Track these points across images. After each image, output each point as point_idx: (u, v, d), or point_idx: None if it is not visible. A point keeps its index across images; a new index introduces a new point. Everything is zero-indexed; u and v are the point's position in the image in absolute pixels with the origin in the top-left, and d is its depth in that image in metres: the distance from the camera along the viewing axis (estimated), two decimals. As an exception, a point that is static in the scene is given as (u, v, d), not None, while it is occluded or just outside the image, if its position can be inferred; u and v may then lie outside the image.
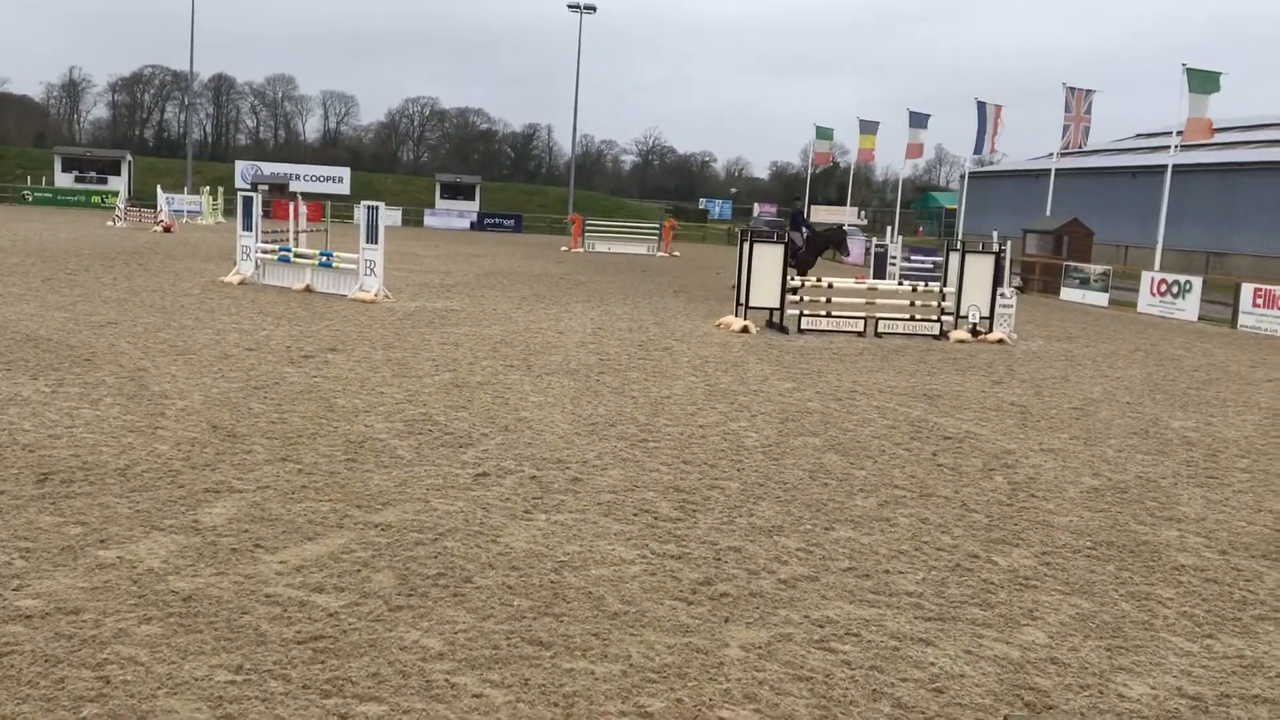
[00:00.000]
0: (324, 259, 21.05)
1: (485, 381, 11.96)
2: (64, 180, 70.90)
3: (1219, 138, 50.90)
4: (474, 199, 76.13)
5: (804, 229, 24.83)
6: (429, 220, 67.07)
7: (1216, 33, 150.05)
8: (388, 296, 20.24)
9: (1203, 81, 31.02)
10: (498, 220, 67.77)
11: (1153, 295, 28.28)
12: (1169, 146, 34.62)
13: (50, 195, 65.74)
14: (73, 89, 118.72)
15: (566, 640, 4.99)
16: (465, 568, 5.92)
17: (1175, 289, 27.56)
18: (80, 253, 27.90)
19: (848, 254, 28.28)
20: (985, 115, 42.73)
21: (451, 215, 68.56)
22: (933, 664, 4.99)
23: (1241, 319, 24.76)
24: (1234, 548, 7.19)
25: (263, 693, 4.32)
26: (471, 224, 67.06)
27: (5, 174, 70.56)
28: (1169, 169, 34.78)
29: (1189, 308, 26.77)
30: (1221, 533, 7.55)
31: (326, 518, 6.68)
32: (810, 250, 24.46)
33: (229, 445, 8.36)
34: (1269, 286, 24.81)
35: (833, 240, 25.19)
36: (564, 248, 46.71)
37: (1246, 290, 25.12)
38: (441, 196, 75.86)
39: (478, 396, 11.05)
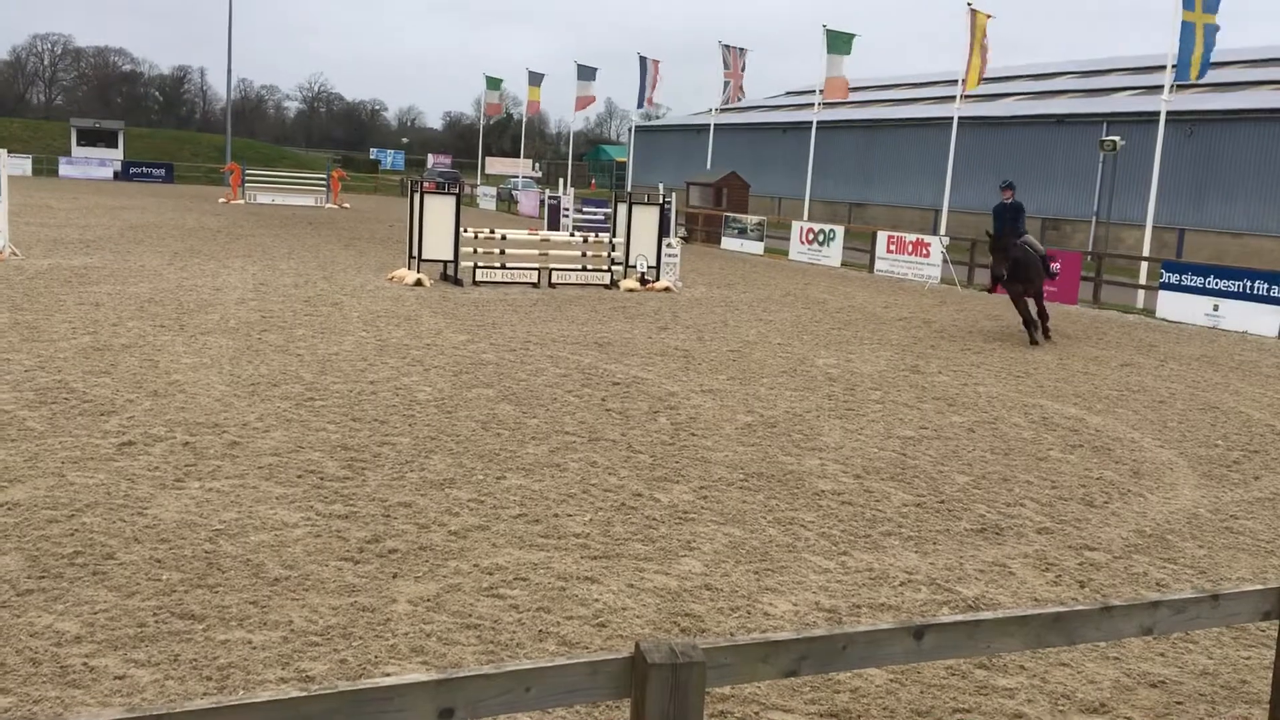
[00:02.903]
0: (-65, 212, 18.68)
1: (131, 344, 11.09)
2: None
3: (859, 96, 55.24)
4: (117, 146, 69.87)
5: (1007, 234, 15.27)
6: (65, 170, 60.99)
7: None
8: (15, 254, 18.28)
9: (839, 43, 33.44)
10: (146, 170, 62.66)
11: (802, 243, 30.39)
12: (813, 104, 37.13)
13: None
14: None
15: (221, 611, 4.75)
16: (107, 544, 5.49)
17: (821, 237, 29.74)
18: None
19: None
20: (646, 69, 44.07)
21: (91, 164, 62.66)
22: (597, 600, 5.16)
23: (878, 264, 27.10)
24: (867, 472, 7.91)
25: None
26: (115, 174, 61.60)
27: None
28: (814, 125, 37.36)
29: (833, 255, 28.99)
30: (857, 459, 8.28)
31: (-61, 501, 5.98)
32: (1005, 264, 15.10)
33: None
34: (900, 234, 27.29)
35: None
36: (222, 199, 43.97)
37: (881, 238, 27.50)
38: (79, 144, 69.09)
39: (123, 360, 10.23)
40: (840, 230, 29.59)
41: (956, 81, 29.60)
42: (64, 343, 10.93)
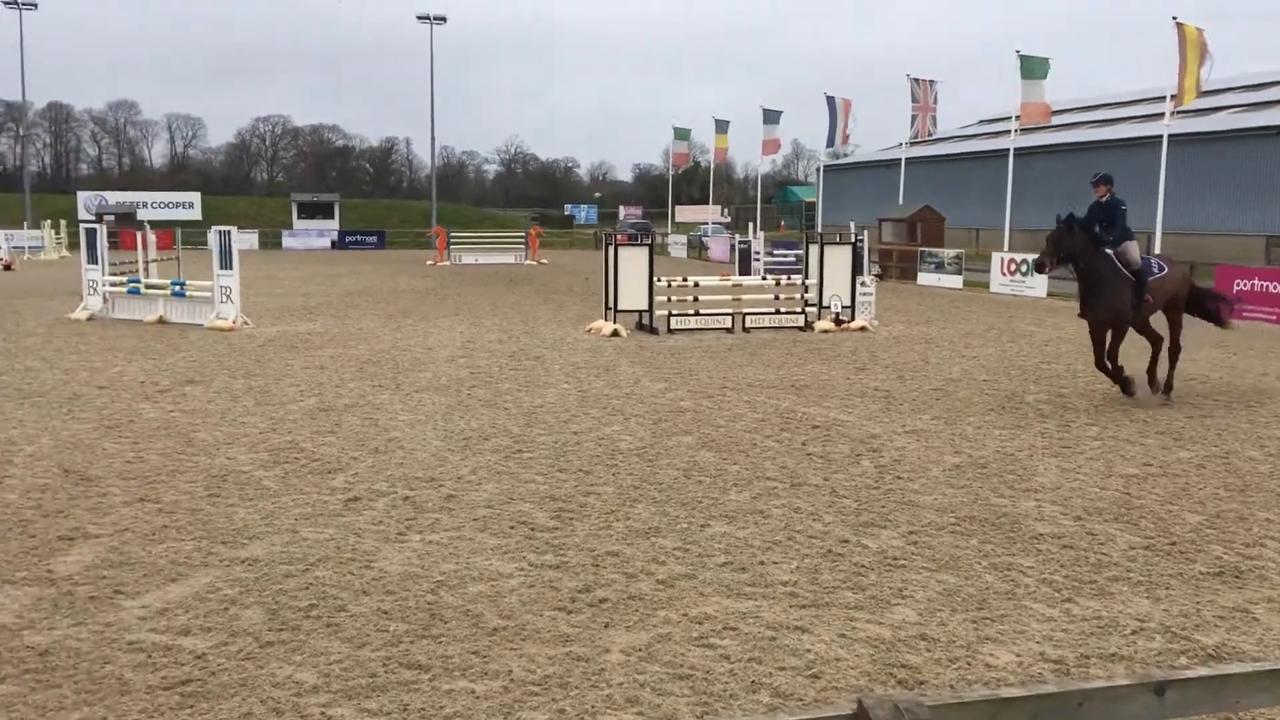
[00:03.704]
0: (177, 288, 20.35)
1: (353, 404, 11.74)
2: (-111, 221, 66.80)
3: (1058, 119, 53.26)
4: (333, 217, 74.55)
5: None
6: (287, 242, 65.41)
7: (1046, 19, 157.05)
8: (246, 323, 19.68)
9: (1035, 67, 32.41)
10: (359, 238, 66.52)
11: (1004, 275, 29.40)
12: (1010, 131, 36.05)
13: (-125, 238, 61.82)
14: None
15: (445, 661, 4.94)
16: (338, 596, 5.80)
17: (1024, 268, 28.70)
18: (-89, 297, 26.35)
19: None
20: (835, 109, 43.84)
21: (311, 235, 67.00)
22: (808, 650, 5.09)
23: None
24: (1088, 513, 7.53)
25: (128, 745, 4.15)
26: (332, 243, 65.66)
27: None
28: (1011, 152, 36.23)
29: (1038, 285, 27.90)
30: (1076, 500, 7.89)
31: (190, 557, 6.46)
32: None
33: (83, 489, 8.01)
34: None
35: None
36: (429, 261, 46.15)
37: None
38: (299, 216, 74.08)
39: (346, 419, 10.83)
40: (1044, 259, 28.47)
41: (1163, 98, 28.18)
42: (293, 405, 11.65)
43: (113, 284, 21.33)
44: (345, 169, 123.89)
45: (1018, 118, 33.64)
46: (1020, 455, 9.35)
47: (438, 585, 5.98)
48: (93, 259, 21.41)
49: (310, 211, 74.94)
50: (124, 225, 44.76)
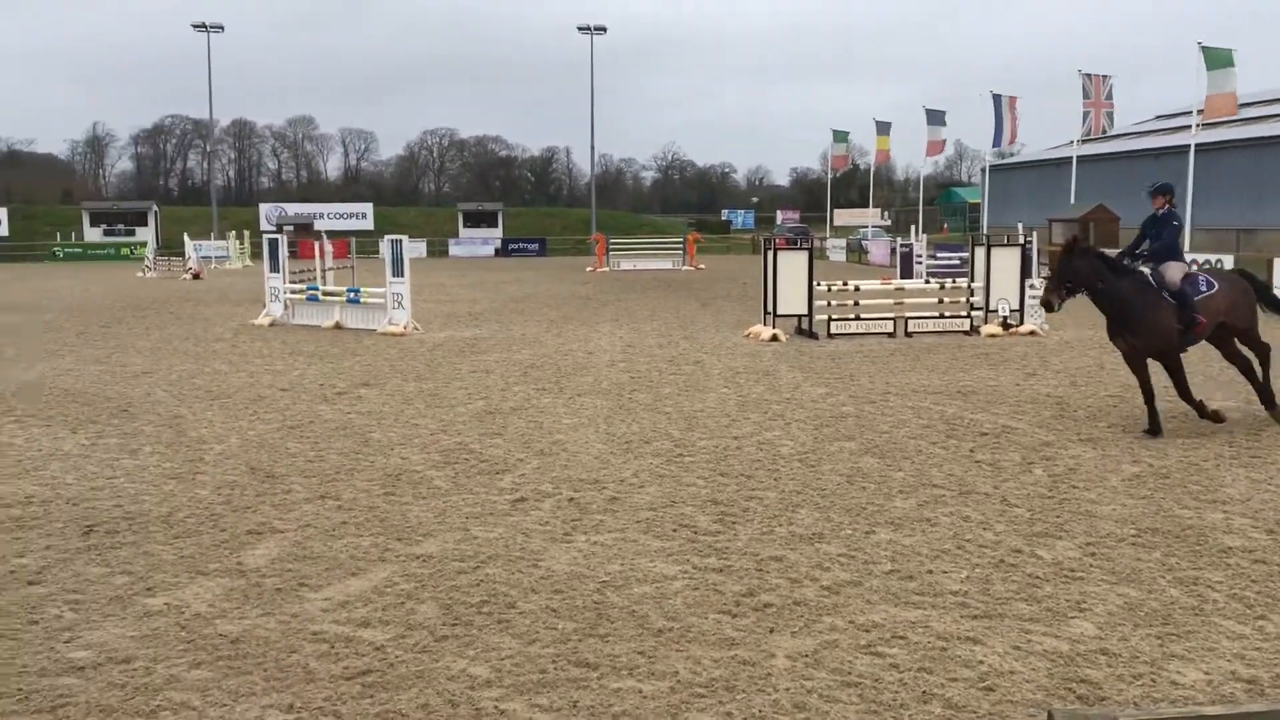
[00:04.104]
0: (352, 295, 21.23)
1: (518, 407, 12.01)
2: (93, 235, 71.88)
3: (1241, 113, 50.37)
4: (497, 226, 76.53)
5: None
6: (453, 250, 67.50)
7: (1225, 8, 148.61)
8: (417, 328, 20.37)
9: (1218, 59, 30.75)
10: (521, 245, 68.13)
11: (1184, 276, 28.00)
12: (1190, 126, 34.28)
13: (80, 250, 66.68)
14: (96, 144, 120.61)
15: (613, 660, 5.00)
16: (508, 594, 5.94)
17: (1206, 268, 27.25)
18: (112, 305, 28.28)
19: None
20: (1001, 107, 42.59)
21: (475, 243, 68.98)
22: (981, 662, 4.95)
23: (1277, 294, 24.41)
24: (1283, 527, 7.09)
25: (314, 730, 4.35)
26: (495, 251, 67.44)
27: (35, 232, 71.64)
28: (1191, 148, 34.46)
29: (1222, 286, 26.46)
30: (1268, 512, 7.44)
31: (368, 552, 6.72)
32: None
33: (268, 486, 8.44)
34: (1302, 259, 24.49)
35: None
36: (589, 268, 46.85)
37: (1278, 266, 24.81)
38: (464, 225, 76.31)
39: (512, 422, 11.09)
40: (1229, 259, 26.99)
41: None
42: (461, 408, 12.01)
43: (292, 291, 22.41)
44: (508, 178, 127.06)
45: (1199, 111, 31.97)
46: (1205, 465, 8.88)
47: (603, 585, 6.07)
48: (274, 268, 22.55)
49: (475, 220, 77.09)
50: (302, 235, 46.97)
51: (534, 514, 7.60)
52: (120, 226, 72.81)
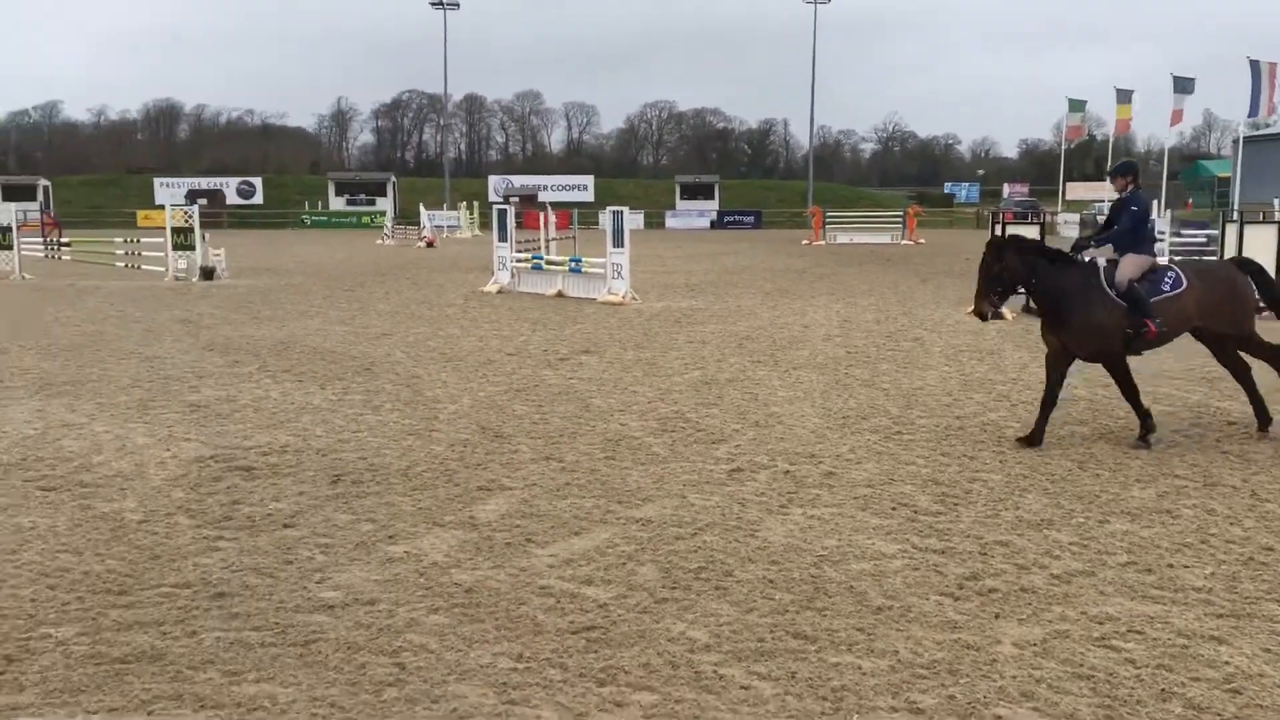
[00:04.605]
0: (573, 265, 21.80)
1: (734, 378, 12.06)
2: (337, 204, 76.54)
3: None
4: (713, 198, 76.78)
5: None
6: (670, 222, 68.20)
7: None
8: (635, 298, 20.72)
9: None
10: (737, 217, 68.14)
11: None
12: None
13: (325, 218, 71.15)
14: (341, 118, 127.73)
15: (831, 635, 4.99)
16: (725, 562, 6.01)
17: None
18: (354, 270, 30.05)
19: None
20: (1259, 74, 39.35)
21: (692, 215, 69.48)
22: (1227, 663, 4.66)
23: None
24: None
25: (542, 680, 4.54)
26: (711, 223, 67.73)
27: (286, 201, 76.87)
28: None
29: None
30: None
31: (590, 513, 6.93)
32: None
33: (497, 445, 8.82)
34: None
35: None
36: (805, 241, 46.39)
37: None
38: (681, 197, 76.92)
39: (728, 393, 11.16)
40: None
41: None
42: (677, 377, 12.16)
43: (519, 260, 23.20)
44: (724, 150, 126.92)
45: None
46: None
47: (820, 560, 6.05)
48: (502, 237, 23.39)
49: (692, 192, 77.61)
50: (527, 206, 48.55)
51: (750, 485, 7.63)
52: (362, 196, 77.23)
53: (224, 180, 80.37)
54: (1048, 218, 52.06)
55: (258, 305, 20.05)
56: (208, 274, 25.45)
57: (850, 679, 4.52)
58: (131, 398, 10.81)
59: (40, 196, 66.97)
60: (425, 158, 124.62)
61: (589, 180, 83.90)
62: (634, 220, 62.40)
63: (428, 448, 8.73)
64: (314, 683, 4.52)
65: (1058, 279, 8.80)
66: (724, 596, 5.48)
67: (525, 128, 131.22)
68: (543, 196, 69.32)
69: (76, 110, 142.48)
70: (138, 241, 29.26)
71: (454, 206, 61.10)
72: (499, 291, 22.80)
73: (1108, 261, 9.05)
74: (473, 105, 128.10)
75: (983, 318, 8.92)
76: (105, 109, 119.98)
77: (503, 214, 23.84)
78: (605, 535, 6.48)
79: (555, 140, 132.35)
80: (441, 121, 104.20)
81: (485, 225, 51.06)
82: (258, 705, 4.30)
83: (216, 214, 63.26)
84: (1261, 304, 9.66)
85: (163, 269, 25.78)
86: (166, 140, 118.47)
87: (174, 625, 5.11)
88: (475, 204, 60.12)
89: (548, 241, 25.46)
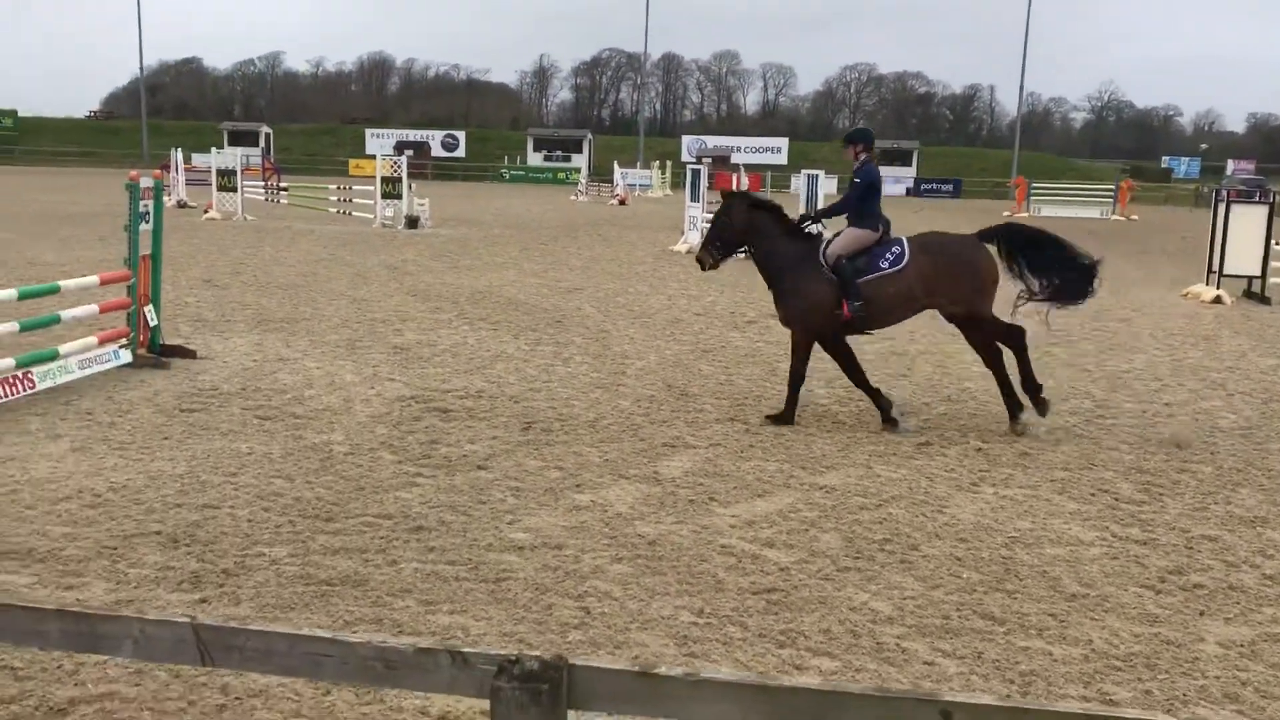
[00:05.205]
0: (765, 228, 21.62)
1: (925, 350, 11.78)
2: (534, 159, 78.26)
3: None
4: (910, 165, 74.77)
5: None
6: (864, 187, 66.76)
7: None
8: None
9: None
10: (935, 186, 66.17)
11: None
12: None
13: (523, 173, 72.91)
14: (542, 75, 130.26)
15: (1021, 618, 4.84)
16: (911, 535, 5.90)
17: None
18: (549, 225, 30.70)
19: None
20: None
21: (888, 182, 67.19)
22: None
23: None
24: None
25: (722, 636, 4.59)
26: (908, 190, 65.98)
27: (487, 155, 79.09)
28: None
29: None
30: None
31: (773, 477, 6.92)
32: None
33: (682, 404, 8.89)
34: None
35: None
36: (1006, 213, 44.57)
37: None
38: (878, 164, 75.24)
39: (918, 365, 10.91)
40: None
41: None
42: (867, 346, 11.83)
43: (706, 222, 23.18)
44: (925, 116, 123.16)
45: None
46: None
47: (1012, 541, 5.87)
48: (694, 198, 23.42)
49: (889, 158, 75.57)
50: (720, 168, 48.41)
51: (939, 459, 7.46)
52: (559, 152, 78.68)
53: (430, 133, 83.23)
54: (1277, 197, 48.47)
55: (457, 254, 20.75)
56: (412, 222, 26.49)
57: (1040, 664, 4.39)
58: (341, 337, 11.40)
59: (262, 143, 71.08)
60: (621, 116, 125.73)
61: (783, 143, 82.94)
62: (828, 185, 61.38)
63: (615, 401, 8.88)
64: (503, 618, 4.70)
65: (780, 247, 8.56)
66: (909, 570, 5.39)
67: (721, 88, 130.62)
68: (736, 158, 69.01)
69: (296, 61, 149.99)
70: (349, 189, 30.73)
71: (647, 165, 61.53)
72: (688, 251, 22.84)
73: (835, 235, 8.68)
74: (670, 64, 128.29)
75: (701, 265, 9.05)
76: (323, 60, 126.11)
77: (696, 174, 23.85)
78: (788, 499, 6.47)
79: (751, 102, 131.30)
80: (639, 80, 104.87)
81: (677, 185, 51.25)
82: (451, 635, 4.50)
83: (422, 165, 65.63)
84: (1021, 289, 8.62)
85: (371, 216, 26.98)
86: (378, 92, 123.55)
87: (376, 554, 5.39)
88: (668, 163, 60.36)
89: (740, 203, 25.32)
